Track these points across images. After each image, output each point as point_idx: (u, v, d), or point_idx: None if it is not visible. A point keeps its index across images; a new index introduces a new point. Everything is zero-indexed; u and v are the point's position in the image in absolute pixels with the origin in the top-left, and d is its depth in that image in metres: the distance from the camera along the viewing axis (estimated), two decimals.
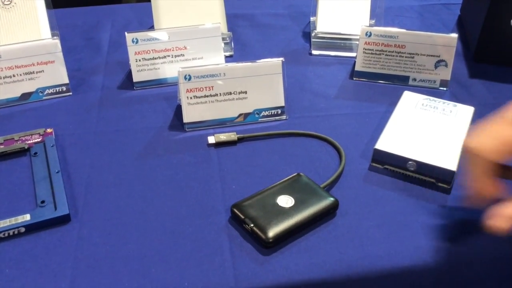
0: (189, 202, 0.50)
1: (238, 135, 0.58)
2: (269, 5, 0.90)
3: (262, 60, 0.60)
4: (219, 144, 0.57)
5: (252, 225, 0.45)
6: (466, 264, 0.46)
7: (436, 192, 0.51)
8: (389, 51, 0.68)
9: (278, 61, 0.60)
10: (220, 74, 0.59)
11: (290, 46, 0.79)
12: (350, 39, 0.76)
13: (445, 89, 0.68)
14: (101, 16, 0.85)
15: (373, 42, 0.68)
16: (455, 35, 0.66)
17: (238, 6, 0.90)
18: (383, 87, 0.69)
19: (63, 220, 0.47)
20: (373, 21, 0.81)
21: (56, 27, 0.76)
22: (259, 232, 0.45)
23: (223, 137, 0.57)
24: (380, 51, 0.68)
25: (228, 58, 0.74)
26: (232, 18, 0.85)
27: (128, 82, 0.68)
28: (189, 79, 0.58)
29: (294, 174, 0.51)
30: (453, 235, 0.47)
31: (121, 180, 0.52)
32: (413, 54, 0.67)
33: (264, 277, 0.43)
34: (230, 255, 0.44)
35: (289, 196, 0.48)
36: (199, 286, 0.42)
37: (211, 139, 0.57)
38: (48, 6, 0.72)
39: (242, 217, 0.46)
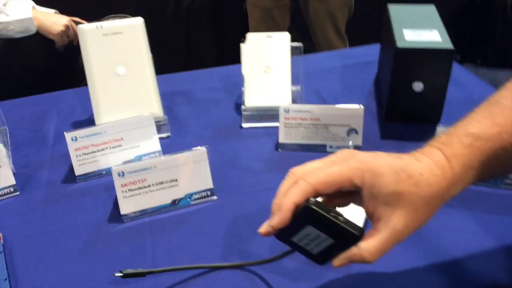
0: None
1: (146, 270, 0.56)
2: (205, 79, 0.98)
3: (187, 151, 0.67)
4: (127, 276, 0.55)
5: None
6: None
7: None
8: (306, 124, 0.76)
9: (202, 149, 0.67)
10: (151, 167, 0.66)
11: (223, 120, 0.86)
12: (276, 110, 0.84)
13: None
14: (47, 105, 0.92)
15: (292, 117, 0.76)
16: (361, 107, 0.74)
17: (176, 82, 0.97)
18: (305, 155, 0.77)
19: None
20: (298, 87, 0.89)
21: (3, 122, 0.82)
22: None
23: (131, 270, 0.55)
24: (298, 124, 0.76)
25: (165, 140, 0.81)
26: (169, 96, 0.92)
27: (71, 174, 0.74)
28: (123, 175, 0.65)
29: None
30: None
31: (64, 281, 0.58)
32: (327, 125, 0.75)
33: None
34: None
35: None
36: None
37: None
38: None
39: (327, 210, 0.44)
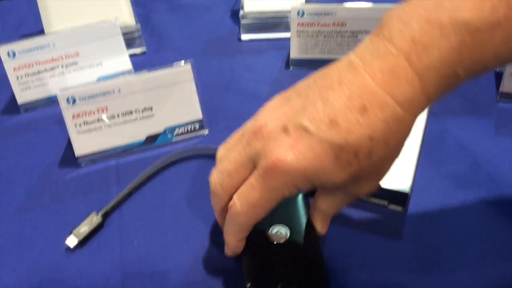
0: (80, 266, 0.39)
1: (102, 212, 0.43)
2: None
3: (165, 68, 0.48)
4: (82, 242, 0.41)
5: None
6: None
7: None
8: (327, 32, 0.56)
9: (186, 65, 0.48)
10: (114, 91, 0.47)
11: (217, 31, 0.66)
12: (286, 17, 0.64)
13: None
14: None
15: (308, 23, 0.56)
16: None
17: None
18: None
19: None
20: None
21: None
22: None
23: (84, 228, 0.41)
24: (317, 32, 0.56)
25: (140, 57, 0.62)
26: (147, 2, 0.72)
27: (13, 103, 0.55)
28: (74, 102, 0.46)
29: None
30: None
31: None
32: (356, 32, 0.56)
33: None
34: None
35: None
36: None
37: (71, 242, 0.41)
38: None
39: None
